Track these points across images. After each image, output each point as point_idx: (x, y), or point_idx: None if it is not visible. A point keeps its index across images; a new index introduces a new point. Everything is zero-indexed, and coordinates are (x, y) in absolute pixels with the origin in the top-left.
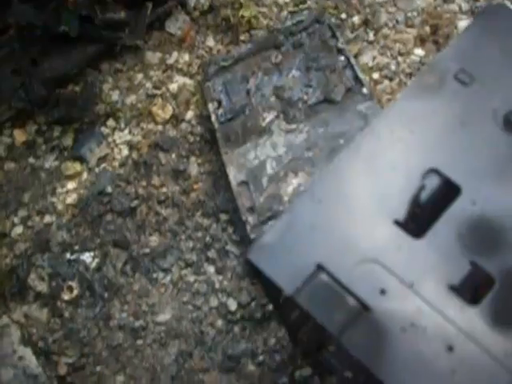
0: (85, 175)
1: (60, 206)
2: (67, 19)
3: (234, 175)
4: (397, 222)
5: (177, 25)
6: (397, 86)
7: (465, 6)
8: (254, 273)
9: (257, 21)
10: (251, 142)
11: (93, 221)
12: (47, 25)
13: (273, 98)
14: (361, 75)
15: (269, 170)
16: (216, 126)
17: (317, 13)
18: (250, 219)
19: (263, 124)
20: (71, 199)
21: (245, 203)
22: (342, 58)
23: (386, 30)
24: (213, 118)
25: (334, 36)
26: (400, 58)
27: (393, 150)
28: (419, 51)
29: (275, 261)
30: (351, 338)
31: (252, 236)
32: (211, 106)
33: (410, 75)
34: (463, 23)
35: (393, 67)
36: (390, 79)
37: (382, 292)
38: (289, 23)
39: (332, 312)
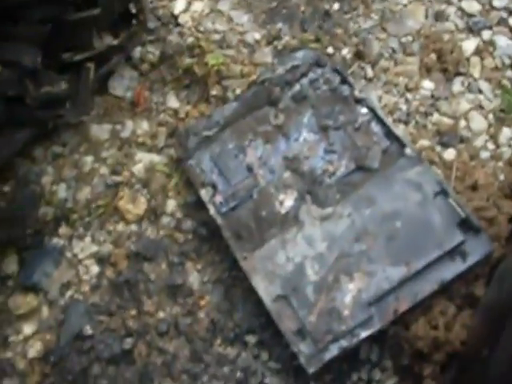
0: (45, 311)
1: (21, 363)
2: None
3: (265, 289)
4: None
5: (123, 84)
6: (415, 130)
7: (460, 23)
8: None
9: (227, 68)
10: (275, 237)
11: (75, 379)
12: None
13: (287, 174)
14: (396, 130)
15: (311, 275)
16: (218, 221)
17: (314, 54)
18: (303, 348)
19: (282, 210)
20: (35, 350)
21: (289, 326)
22: (364, 109)
23: (383, 62)
24: (211, 210)
25: (344, 82)
26: (409, 95)
27: None
28: (427, 83)
29: None
30: None
31: (311, 370)
32: (204, 194)
33: (426, 114)
34: (467, 44)
35: (403, 107)
36: (405, 123)
37: None
38: (281, 70)
39: None
